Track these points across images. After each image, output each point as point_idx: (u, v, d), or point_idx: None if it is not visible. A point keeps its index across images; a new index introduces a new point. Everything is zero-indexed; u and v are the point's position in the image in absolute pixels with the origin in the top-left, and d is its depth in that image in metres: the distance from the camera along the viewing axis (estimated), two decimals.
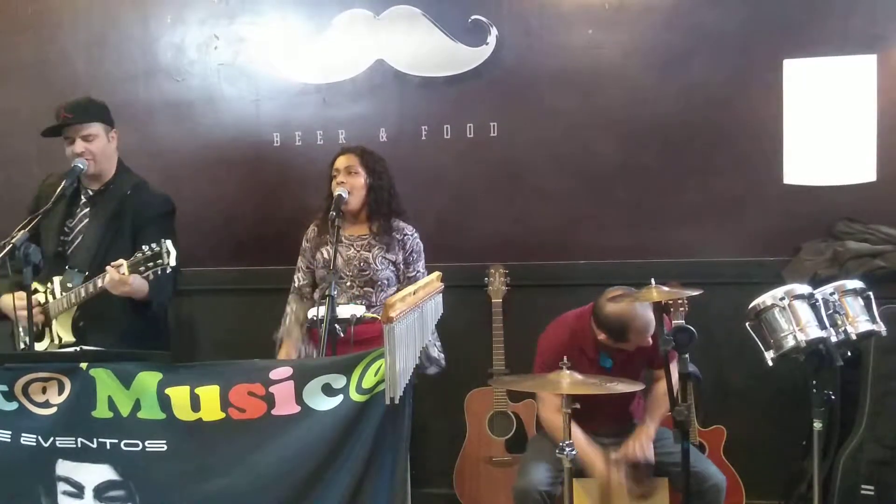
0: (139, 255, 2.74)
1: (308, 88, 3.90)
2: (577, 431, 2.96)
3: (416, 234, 3.29)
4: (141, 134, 3.95)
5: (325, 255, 3.22)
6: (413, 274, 3.24)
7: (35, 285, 2.97)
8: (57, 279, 3.05)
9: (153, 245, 2.73)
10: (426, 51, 3.76)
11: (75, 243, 3.10)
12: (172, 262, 2.73)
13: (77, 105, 3.12)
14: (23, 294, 2.78)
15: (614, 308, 2.92)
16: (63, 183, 3.03)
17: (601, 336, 3.00)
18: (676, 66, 3.64)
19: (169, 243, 2.73)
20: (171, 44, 3.99)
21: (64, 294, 3.01)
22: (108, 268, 2.80)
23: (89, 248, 3.07)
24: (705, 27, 3.61)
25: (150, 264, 2.73)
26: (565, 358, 2.65)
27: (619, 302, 2.91)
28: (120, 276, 2.76)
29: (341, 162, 3.24)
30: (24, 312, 2.79)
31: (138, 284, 2.88)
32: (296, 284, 3.36)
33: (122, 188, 3.16)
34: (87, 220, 3.13)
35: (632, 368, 3.06)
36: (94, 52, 4.03)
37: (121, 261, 2.78)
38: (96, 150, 3.11)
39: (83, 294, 2.94)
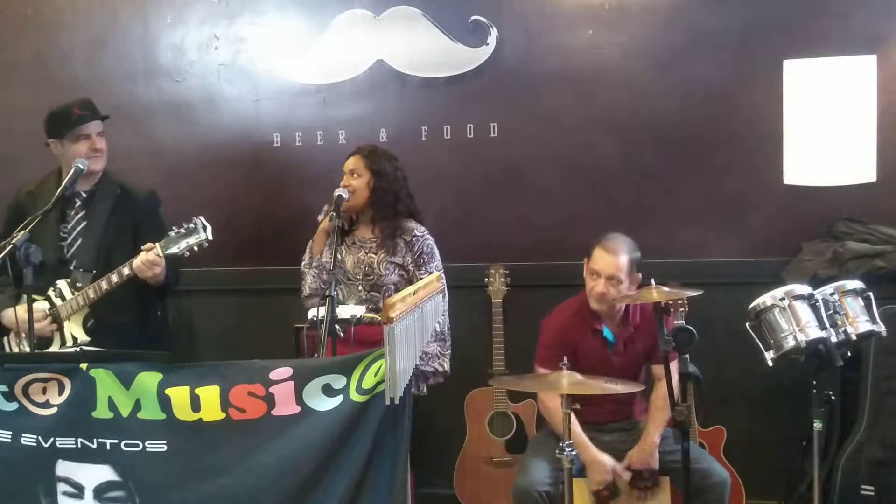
0: (172, 234, 2.88)
1: (308, 88, 3.90)
2: (580, 434, 2.96)
3: (426, 236, 3.26)
4: (141, 134, 3.95)
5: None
6: (424, 276, 3.16)
7: (34, 296, 2.98)
8: (62, 282, 3.05)
9: (185, 224, 2.87)
10: (426, 51, 3.76)
11: (75, 245, 3.10)
12: (210, 236, 2.88)
13: (87, 103, 3.15)
14: (23, 307, 2.78)
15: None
16: (63, 183, 3.02)
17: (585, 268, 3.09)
18: (676, 66, 3.64)
19: (202, 219, 2.88)
20: (171, 44, 3.99)
21: (76, 293, 3.01)
22: (143, 248, 2.88)
23: (92, 248, 3.08)
24: (705, 27, 3.61)
25: (191, 240, 2.87)
26: (565, 357, 2.65)
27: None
28: (154, 257, 2.86)
29: (348, 164, 3.26)
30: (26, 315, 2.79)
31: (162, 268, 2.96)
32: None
33: (111, 187, 3.19)
34: (84, 222, 3.13)
35: (633, 350, 3.11)
36: (94, 52, 4.03)
37: (151, 245, 2.88)
38: (106, 147, 3.16)
39: (105, 286, 2.96)
